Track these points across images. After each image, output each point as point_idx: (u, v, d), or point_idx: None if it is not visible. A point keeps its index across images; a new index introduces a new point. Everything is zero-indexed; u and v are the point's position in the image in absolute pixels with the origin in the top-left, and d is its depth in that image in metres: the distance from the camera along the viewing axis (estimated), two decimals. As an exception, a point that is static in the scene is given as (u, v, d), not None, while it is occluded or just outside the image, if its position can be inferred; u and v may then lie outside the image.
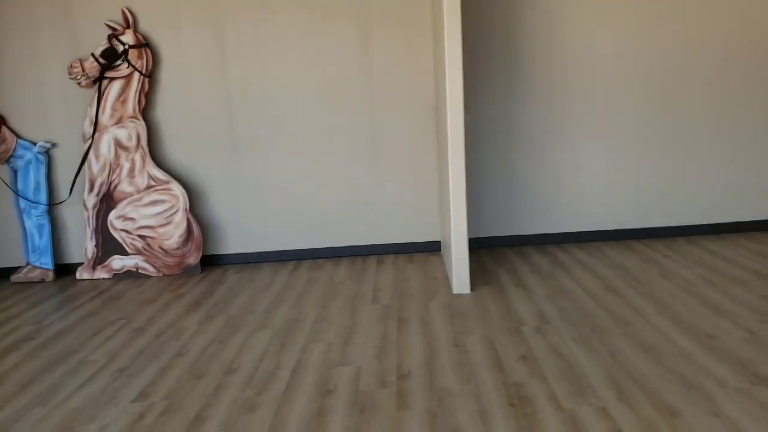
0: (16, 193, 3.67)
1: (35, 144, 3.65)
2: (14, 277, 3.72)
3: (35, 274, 3.72)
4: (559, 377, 2.09)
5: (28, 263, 3.74)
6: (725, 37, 3.68)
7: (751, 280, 2.97)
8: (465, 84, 3.71)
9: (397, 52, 3.66)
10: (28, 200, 3.66)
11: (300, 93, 3.71)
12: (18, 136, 3.65)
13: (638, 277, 3.14)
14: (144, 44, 3.58)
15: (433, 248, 3.91)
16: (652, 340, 2.34)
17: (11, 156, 3.62)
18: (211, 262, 3.88)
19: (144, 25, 3.62)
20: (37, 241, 3.70)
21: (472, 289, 3.11)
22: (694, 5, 3.65)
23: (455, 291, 3.06)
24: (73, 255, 3.83)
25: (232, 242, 3.87)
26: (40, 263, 3.71)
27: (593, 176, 3.84)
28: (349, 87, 3.70)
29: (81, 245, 3.81)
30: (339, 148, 3.77)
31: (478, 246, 3.94)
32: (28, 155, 3.64)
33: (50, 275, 3.72)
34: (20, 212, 3.69)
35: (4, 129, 3.61)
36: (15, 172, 3.67)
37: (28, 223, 3.69)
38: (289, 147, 3.77)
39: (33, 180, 3.65)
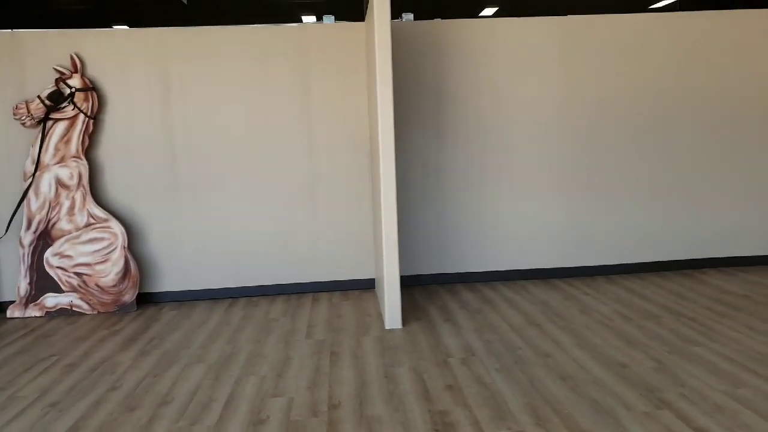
0: (-52, 229, 3.62)
1: (-29, 180, 3.64)
2: (-60, 316, 3.63)
3: (-37, 313, 3.64)
4: (482, 404, 2.25)
5: (-45, 301, 3.66)
6: (641, 86, 4.11)
7: (662, 315, 3.26)
8: (397, 130, 3.97)
9: (335, 98, 3.89)
10: (-40, 237, 3.61)
11: (241, 136, 3.86)
12: (-47, 173, 3.63)
13: (560, 312, 3.39)
14: (91, 88, 3.66)
15: (367, 286, 4.06)
16: (569, 370, 2.55)
17: (-55, 192, 3.59)
18: (147, 299, 3.89)
19: (92, 70, 3.72)
20: (-33, 278, 3.63)
21: (404, 324, 3.27)
22: (617, 53, 4.07)
23: (387, 326, 3.21)
24: (5, 293, 3.76)
25: (169, 280, 3.91)
26: (-31, 301, 3.64)
27: (518, 218, 4.13)
28: (289, 131, 3.89)
29: (13, 283, 3.75)
30: (278, 189, 3.92)
31: (410, 283, 4.12)
32: (-37, 191, 3.61)
33: (-21, 313, 3.65)
34: (-49, 249, 3.63)
35: (-61, 165, 3.59)
36: (-52, 208, 3.63)
37: (-42, 260, 3.63)
38: (228, 188, 3.89)
39: (-34, 216, 3.62)
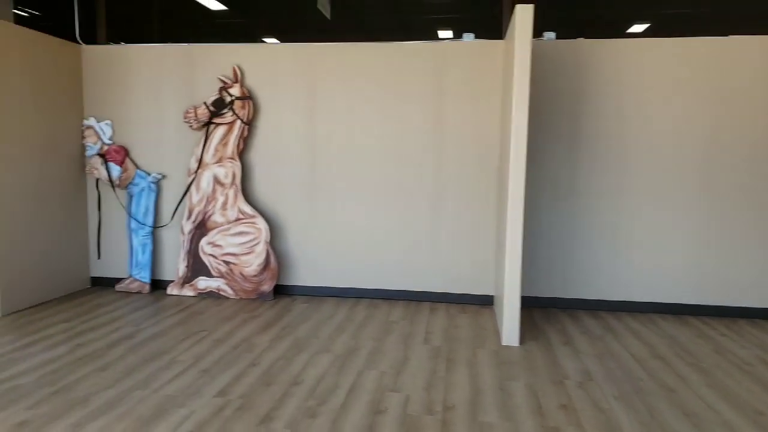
0: (129, 214, 4.24)
1: (149, 174, 4.23)
2: (118, 286, 4.25)
3: (135, 286, 4.23)
4: (596, 427, 2.25)
5: (130, 276, 4.26)
6: (790, 126, 3.80)
7: (805, 365, 3.00)
8: (529, 146, 4.01)
9: (467, 115, 4.02)
10: (138, 221, 4.22)
11: (376, 147, 4.12)
12: (137, 167, 4.26)
13: (689, 349, 3.22)
14: (248, 97, 4.13)
15: (484, 302, 4.12)
16: (695, 407, 2.45)
17: (130, 183, 4.22)
18: (282, 291, 4.26)
19: (249, 81, 4.19)
20: (140, 257, 4.23)
21: (521, 342, 3.29)
22: (754, 87, 3.82)
23: (504, 342, 3.26)
24: (166, 272, 4.32)
25: (302, 275, 4.24)
26: (140, 277, 4.23)
27: (652, 247, 3.97)
28: (420, 144, 4.08)
29: (174, 265, 4.30)
30: (406, 199, 4.12)
31: (530, 305, 4.11)
32: (143, 183, 4.22)
33: (146, 288, 4.22)
34: (130, 231, 4.25)
35: (128, 160, 4.23)
36: (131, 197, 4.25)
37: (134, 241, 4.23)
38: (360, 194, 4.16)
39: (144, 205, 4.22)
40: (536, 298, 4.10)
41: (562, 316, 3.88)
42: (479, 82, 3.99)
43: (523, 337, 3.37)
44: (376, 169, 4.13)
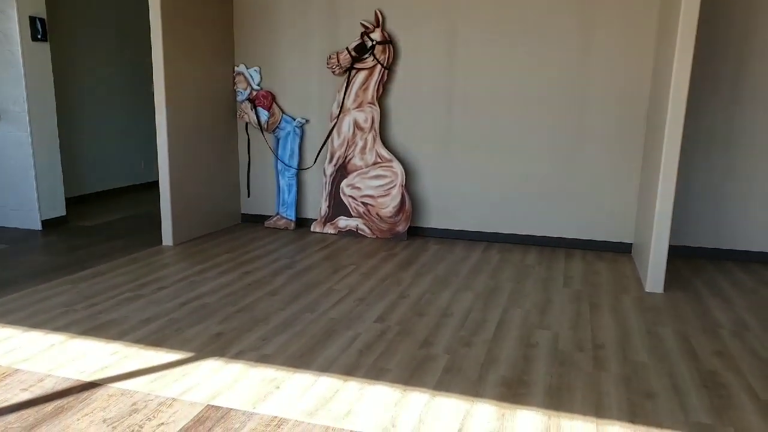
0: (277, 157, 4.58)
1: (294, 119, 4.52)
2: (267, 223, 4.66)
3: (282, 223, 4.61)
4: (758, 375, 2.22)
5: (277, 213, 4.64)
6: None
7: None
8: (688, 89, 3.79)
9: (616, 53, 3.86)
10: (284, 163, 4.55)
11: (516, 89, 4.08)
12: (283, 112, 4.55)
13: None
14: (388, 41, 4.22)
15: (623, 249, 4.04)
16: None
17: (277, 127, 4.53)
18: (415, 232, 4.44)
19: (390, 25, 4.27)
20: (286, 197, 4.58)
21: (666, 290, 3.24)
22: None
23: (647, 289, 3.22)
24: (309, 211, 4.65)
25: (435, 218, 4.39)
26: (286, 215, 4.59)
27: (814, 199, 3.68)
28: (564, 86, 3.98)
29: (316, 205, 4.61)
30: (546, 143, 4.08)
31: (675, 255, 3.99)
32: (288, 128, 4.52)
33: (292, 225, 4.59)
34: (277, 173, 4.60)
35: (275, 105, 4.53)
36: (277, 140, 4.58)
37: (281, 182, 4.58)
38: (498, 139, 4.17)
39: (289, 148, 4.53)
40: (682, 247, 3.96)
41: (709, 267, 3.73)
42: (631, 19, 3.79)
43: (668, 286, 3.31)
44: (515, 112, 4.11)
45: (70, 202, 5.61)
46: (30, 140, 4.37)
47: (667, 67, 3.17)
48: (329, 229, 4.45)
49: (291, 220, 4.58)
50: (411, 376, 2.15)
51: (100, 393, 1.97)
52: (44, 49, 4.43)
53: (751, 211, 3.80)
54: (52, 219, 4.60)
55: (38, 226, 4.49)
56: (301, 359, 2.27)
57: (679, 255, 3.98)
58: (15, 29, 4.25)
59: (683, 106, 2.99)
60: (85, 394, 1.96)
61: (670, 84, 3.01)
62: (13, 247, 3.97)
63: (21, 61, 4.27)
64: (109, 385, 2.03)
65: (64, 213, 4.71)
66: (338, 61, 4.28)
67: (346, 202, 4.40)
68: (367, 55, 4.24)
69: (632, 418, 1.90)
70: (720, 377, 2.20)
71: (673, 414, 1.93)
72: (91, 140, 5.87)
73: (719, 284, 3.36)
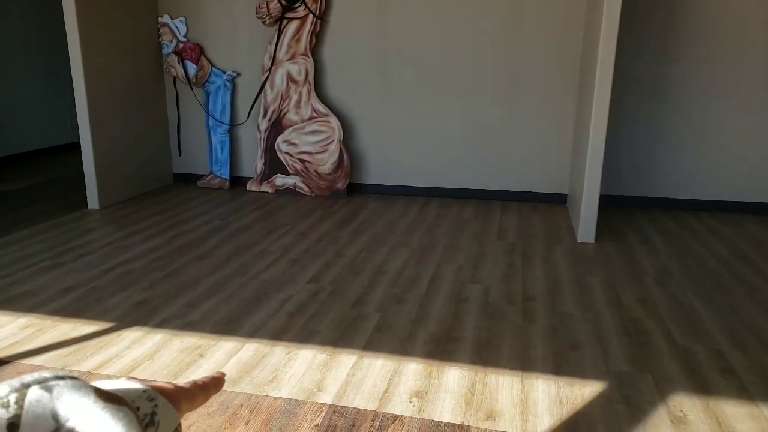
0: (207, 112, 4.36)
1: (225, 72, 4.30)
2: (200, 183, 4.48)
3: (215, 182, 4.45)
4: (676, 320, 2.30)
5: (211, 172, 4.47)
6: None
7: None
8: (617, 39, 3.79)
9: (550, 3, 3.80)
10: (216, 120, 4.35)
11: (450, 39, 3.99)
12: (212, 65, 4.32)
13: (771, 250, 3.17)
14: (320, -11, 4.03)
15: (558, 200, 4.11)
16: (774, 305, 2.46)
17: (206, 81, 4.30)
18: (354, 189, 4.38)
19: (321, -28, 4.06)
20: (219, 154, 4.40)
21: (597, 240, 3.32)
22: None
23: (579, 239, 3.29)
24: (244, 170, 4.50)
25: (374, 174, 4.33)
26: (220, 174, 4.43)
27: (740, 144, 3.80)
28: (497, 35, 3.92)
29: (252, 162, 4.46)
30: (479, 95, 4.04)
31: (607, 204, 4.08)
32: (219, 81, 4.30)
33: (227, 184, 4.43)
34: (208, 129, 4.40)
35: (203, 57, 4.29)
36: (208, 95, 4.36)
37: (213, 139, 4.39)
38: (433, 91, 4.10)
39: (221, 103, 4.32)
40: (614, 196, 4.06)
41: (639, 215, 3.84)
42: (563, -32, 3.73)
43: (599, 235, 3.39)
44: (450, 63, 4.03)
45: (-13, 164, 5.25)
46: (-68, 98, 4.00)
47: (597, 16, 3.14)
48: (266, 188, 4.33)
49: (225, 179, 4.42)
50: (341, 337, 2.13)
51: (8, 370, 1.86)
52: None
53: (679, 159, 3.90)
54: (-35, 184, 4.29)
55: (-51, 192, 4.18)
56: (228, 325, 2.21)
57: (611, 204, 4.08)
58: None
59: (612, 53, 2.99)
60: (-9, 373, 1.85)
61: (600, 32, 3.00)
62: None
63: None
64: (19, 361, 1.92)
65: (-22, 177, 4.40)
66: (268, 11, 4.06)
67: (282, 160, 4.27)
68: (298, 4, 4.03)
69: (556, 369, 1.94)
70: (641, 324, 2.28)
71: (596, 364, 1.98)
72: (9, 99, 5.45)
73: (647, 232, 3.47)
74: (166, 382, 0.48)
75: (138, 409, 0.42)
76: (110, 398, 0.38)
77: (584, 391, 1.81)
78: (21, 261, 2.87)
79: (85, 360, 1.94)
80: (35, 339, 2.09)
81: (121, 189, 4.07)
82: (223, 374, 0.57)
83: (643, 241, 3.31)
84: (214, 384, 0.54)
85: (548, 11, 3.81)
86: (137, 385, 0.44)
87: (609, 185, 4.04)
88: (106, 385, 0.42)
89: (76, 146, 6.25)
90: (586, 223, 3.25)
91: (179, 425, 0.45)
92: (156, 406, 0.44)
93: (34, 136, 5.79)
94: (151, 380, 0.47)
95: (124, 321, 2.24)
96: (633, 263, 2.95)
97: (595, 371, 1.93)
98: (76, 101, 3.70)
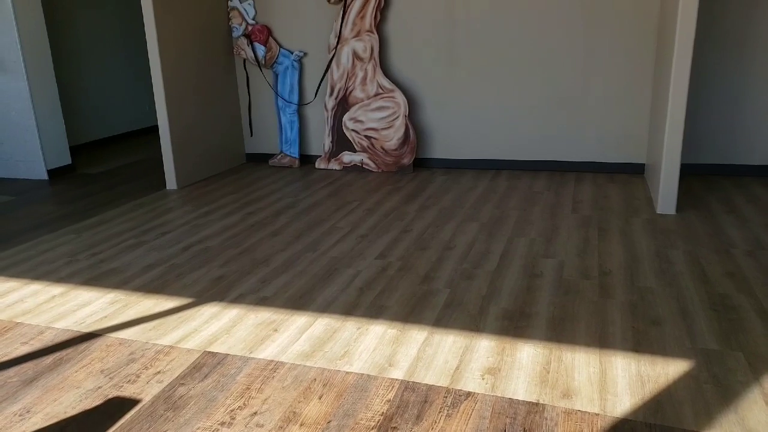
0: (277, 93, 4.44)
1: (292, 53, 4.34)
2: (271, 161, 4.59)
3: (286, 161, 4.54)
4: (768, 296, 2.14)
5: (281, 151, 4.56)
6: None
7: None
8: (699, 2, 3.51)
9: (627, -34, 3.57)
10: (285, 100, 4.41)
11: (520, 9, 3.83)
12: (280, 46, 4.37)
13: None
14: (383, -38, 3.96)
15: (635, 170, 3.90)
16: None
17: (275, 62, 4.37)
18: (421, 164, 4.34)
19: (384, -56, 3.99)
20: (288, 134, 4.48)
21: (678, 211, 3.13)
22: None
23: (659, 210, 3.11)
24: (313, 148, 4.55)
25: (441, 148, 4.26)
26: (290, 152, 4.51)
27: (842, 107, 3.46)
28: (569, 3, 3.72)
29: (320, 140, 4.51)
30: (551, 62, 3.87)
31: (689, 172, 3.84)
32: (287, 62, 4.35)
33: (296, 163, 4.51)
34: (278, 109, 4.48)
35: (271, 39, 4.34)
36: (276, 76, 4.42)
37: (283, 119, 4.47)
38: (503, 62, 3.96)
39: (289, 83, 4.38)
40: (696, 165, 3.81)
41: (725, 183, 3.59)
42: None
43: (681, 206, 3.20)
44: (519, 34, 3.88)
45: (76, 150, 5.59)
46: (29, 90, 4.29)
47: (682, -30, 2.91)
48: (334, 165, 4.37)
49: (295, 157, 4.50)
50: (410, 312, 2.12)
51: (98, 344, 1.99)
52: (28, -8, 4.26)
53: (764, 123, 3.60)
54: (58, 168, 4.59)
55: (44, 176, 4.49)
56: (300, 300, 2.26)
57: (693, 173, 3.83)
58: (-4, -27, 4.08)
59: (694, 14, 2.76)
60: (84, 345, 1.98)
61: (686, -11, 2.78)
62: (20, 198, 3.98)
63: (10, 5, 4.12)
64: (108, 335, 2.05)
65: (69, 161, 4.69)
66: (332, -13, 4.05)
67: (349, 137, 4.29)
68: (361, -22, 3.99)
69: (636, 347, 1.85)
70: (731, 300, 2.13)
71: (679, 341, 1.88)
72: (93, 87, 5.77)
73: (734, 201, 3.23)
74: None
75: None
76: None
77: (668, 369, 1.72)
78: (108, 240, 3.05)
79: (167, 334, 2.04)
80: (121, 314, 2.22)
81: (197, 169, 4.22)
82: None
83: (729, 210, 3.09)
84: None
85: (625, -32, 3.57)
86: None
87: (690, 153, 3.79)
88: None
89: (155, 129, 6.55)
90: (666, 194, 3.07)
91: None
92: None
93: (116, 121, 6.11)
94: None
95: (202, 297, 2.34)
96: (719, 234, 2.76)
97: (680, 349, 1.83)
98: (153, 86, 3.85)
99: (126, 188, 4.14)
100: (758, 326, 1.94)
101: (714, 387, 1.63)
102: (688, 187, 3.56)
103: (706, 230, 2.83)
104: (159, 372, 1.80)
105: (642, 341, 1.88)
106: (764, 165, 3.67)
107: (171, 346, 1.95)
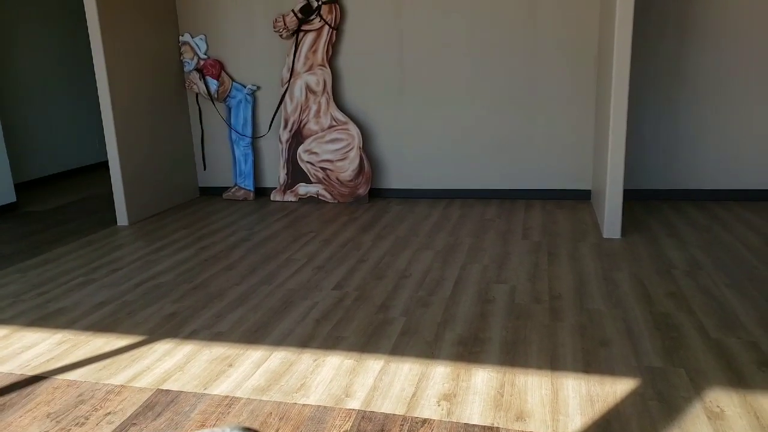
0: (230, 126, 4.44)
1: (245, 86, 4.36)
2: (225, 195, 4.56)
3: (240, 194, 4.51)
4: (709, 313, 2.25)
5: (235, 184, 4.54)
6: None
7: None
8: (634, 31, 3.74)
9: (564, 1, 3.78)
10: (238, 133, 4.42)
11: (464, 40, 3.99)
12: (232, 79, 4.39)
13: (805, 238, 3.08)
14: (334, 0, 4.06)
15: (582, 197, 4.06)
16: (810, 294, 2.39)
17: (227, 96, 4.38)
18: (376, 194, 4.39)
19: (335, -18, 4.10)
20: (243, 167, 4.47)
21: (623, 235, 3.27)
22: None
23: (605, 235, 3.24)
24: (268, 180, 4.55)
25: (395, 178, 4.34)
26: (245, 185, 4.49)
27: (765, 130, 3.71)
28: (512, 35, 3.90)
29: (275, 173, 4.51)
30: (497, 94, 4.02)
31: (631, 198, 4.02)
32: (239, 95, 4.37)
33: (251, 195, 4.49)
34: (231, 143, 4.47)
35: (224, 73, 4.36)
36: (229, 109, 4.43)
37: (236, 152, 4.46)
38: (450, 93, 4.09)
39: (242, 116, 4.39)
40: (638, 190, 3.99)
41: (664, 207, 3.77)
42: (576, -38, 3.70)
43: (625, 230, 3.34)
44: (466, 65, 4.03)
45: (21, 187, 5.42)
46: (-33, 126, 4.15)
47: (611, 9, 3.10)
48: (289, 197, 4.38)
49: (250, 190, 4.49)
50: (367, 342, 2.14)
51: (44, 386, 1.92)
52: (-29, 27, 4.17)
53: (701, 150, 3.82)
54: (1, 206, 4.43)
55: (-14, 215, 4.33)
56: (255, 334, 2.24)
57: (635, 198, 4.02)
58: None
59: (628, 44, 2.95)
60: (30, 388, 1.90)
61: (615, 22, 2.96)
62: (-41, 239, 3.82)
63: (-53, 41, 4.02)
64: (55, 377, 1.97)
65: (14, 199, 4.54)
66: (285, 24, 4.12)
67: (304, 169, 4.31)
68: (313, 16, 4.08)
69: (586, 367, 1.91)
70: (672, 318, 2.24)
71: (626, 360, 1.95)
72: (40, 122, 5.62)
73: (674, 225, 3.40)
74: None
75: None
76: None
77: (616, 388, 1.78)
78: (56, 278, 2.95)
79: (118, 373, 1.99)
80: (70, 354, 2.15)
81: (149, 204, 4.15)
82: None
83: (670, 233, 3.25)
84: None
85: (561, 8, 3.78)
86: None
87: (633, 179, 3.98)
88: None
89: (105, 165, 6.41)
90: (611, 219, 3.21)
91: None
92: None
93: (65, 157, 5.95)
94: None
95: (155, 333, 2.29)
96: (661, 256, 2.90)
97: (627, 368, 1.90)
98: (103, 121, 3.80)
99: (75, 225, 4.02)
100: (698, 343, 2.04)
101: (659, 403, 1.70)
102: (631, 211, 3.73)
103: (649, 252, 2.97)
104: (109, 413, 1.75)
105: (591, 362, 1.95)
106: (700, 189, 3.88)
107: (122, 386, 1.90)
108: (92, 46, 3.68)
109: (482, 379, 1.86)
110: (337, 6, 4.07)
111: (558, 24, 3.81)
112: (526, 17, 3.85)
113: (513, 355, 2.01)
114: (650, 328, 2.17)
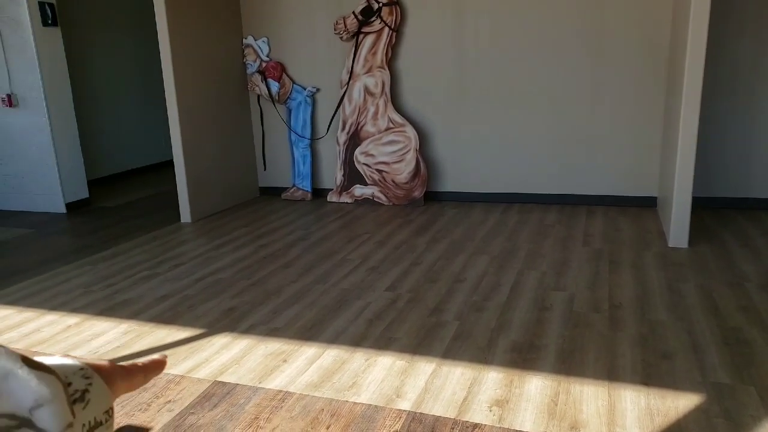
0: (290, 128, 4.54)
1: (305, 88, 4.45)
2: (284, 195, 4.66)
3: (298, 194, 4.60)
4: (782, 329, 2.12)
5: (294, 185, 4.63)
6: None
7: None
8: (709, 33, 3.57)
9: (634, 0, 3.65)
10: (298, 134, 4.51)
11: (530, 41, 3.91)
12: (293, 81, 4.49)
13: None
14: (395, 2, 4.08)
15: (647, 203, 3.90)
16: None
17: (288, 98, 4.48)
18: (432, 197, 4.38)
19: (395, -15, 4.12)
20: (301, 168, 4.55)
21: (690, 244, 3.12)
22: None
23: (671, 244, 3.10)
24: (325, 182, 4.62)
25: (451, 181, 4.31)
26: (303, 186, 4.58)
27: None
28: (576, 35, 3.80)
29: (332, 174, 4.58)
30: (561, 97, 3.92)
31: (701, 206, 3.83)
32: (300, 97, 4.46)
33: (309, 196, 4.57)
34: (291, 144, 4.57)
35: (285, 75, 4.47)
36: (290, 111, 4.53)
37: (295, 153, 4.55)
38: (513, 96, 4.03)
39: (302, 118, 4.48)
40: (708, 198, 3.80)
41: (738, 217, 3.58)
42: (645, -40, 3.57)
43: (693, 239, 3.19)
44: (529, 67, 3.95)
45: (93, 184, 5.72)
46: (49, 125, 4.43)
47: (685, 8, 2.97)
48: (345, 198, 4.42)
49: (307, 191, 4.57)
50: (419, 344, 2.13)
51: (111, 372, 2.01)
52: (56, 33, 4.44)
53: (784, 157, 3.60)
54: (76, 201, 4.70)
55: (62, 209, 4.59)
56: (310, 331, 2.27)
57: (706, 206, 3.82)
58: (26, 15, 4.26)
59: (703, 45, 2.81)
60: (97, 374, 2.01)
61: (689, 27, 2.83)
62: (38, 231, 4.07)
63: (34, 46, 4.30)
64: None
65: (87, 195, 4.80)
66: (345, 26, 4.17)
67: (360, 170, 4.35)
68: (374, 18, 4.11)
69: (646, 380, 1.84)
70: (743, 333, 2.11)
71: (690, 374, 1.86)
72: (111, 122, 5.93)
73: (748, 235, 3.22)
74: (106, 360, 0.48)
75: (70, 384, 0.42)
76: (36, 366, 0.38)
77: (678, 403, 1.70)
78: (123, 271, 3.10)
79: (178, 364, 2.06)
80: (135, 343, 2.24)
81: (211, 203, 4.30)
82: (165, 357, 0.57)
83: (743, 244, 3.07)
84: (154, 367, 0.54)
85: (631, 8, 3.65)
86: (74, 362, 0.44)
87: (703, 186, 3.80)
88: (39, 358, 0.42)
89: (171, 163, 6.69)
90: (678, 227, 3.07)
91: (111, 408, 0.45)
92: (90, 384, 0.43)
93: (133, 155, 6.25)
94: (94, 359, 0.48)
95: (213, 327, 2.36)
96: (732, 268, 2.75)
97: (691, 383, 1.81)
98: (169, 122, 3.96)
99: (141, 221, 4.21)
100: (771, 360, 1.92)
101: (725, 421, 1.61)
102: (700, 220, 3.55)
103: (718, 264, 2.82)
104: (169, 401, 1.82)
105: (652, 374, 1.87)
106: (776, 198, 3.66)
107: (182, 376, 1.97)
108: (161, 50, 3.85)
109: (536, 386, 1.82)
110: (398, 8, 4.09)
111: (627, 23, 3.69)
112: (593, 16, 3.74)
113: (569, 363, 1.95)
114: (718, 342, 2.06)
